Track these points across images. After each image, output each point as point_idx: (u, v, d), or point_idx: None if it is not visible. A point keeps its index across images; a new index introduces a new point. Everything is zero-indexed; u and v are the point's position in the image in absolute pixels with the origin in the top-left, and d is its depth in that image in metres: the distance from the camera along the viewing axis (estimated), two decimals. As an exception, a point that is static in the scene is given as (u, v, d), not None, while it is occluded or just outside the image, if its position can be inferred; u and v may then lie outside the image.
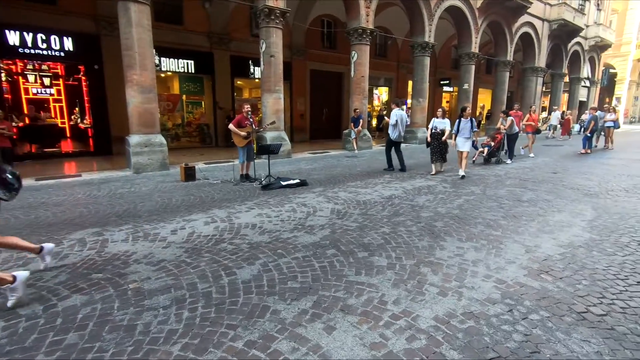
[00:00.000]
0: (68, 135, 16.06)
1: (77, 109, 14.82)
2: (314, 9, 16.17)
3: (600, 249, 3.89)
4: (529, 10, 19.43)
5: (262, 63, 11.06)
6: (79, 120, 14.65)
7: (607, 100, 35.51)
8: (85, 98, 12.57)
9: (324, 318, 2.55)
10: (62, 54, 11.07)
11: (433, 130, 8.44)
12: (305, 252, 3.74)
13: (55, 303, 2.72)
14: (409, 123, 9.37)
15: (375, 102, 22.24)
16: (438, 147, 8.40)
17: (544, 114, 18.92)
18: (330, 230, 4.45)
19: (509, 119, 10.15)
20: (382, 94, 22.57)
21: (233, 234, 4.30)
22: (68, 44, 11.02)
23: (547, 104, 27.84)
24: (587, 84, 29.63)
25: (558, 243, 4.06)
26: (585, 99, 29.85)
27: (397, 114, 8.70)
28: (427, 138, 8.75)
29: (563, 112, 21.67)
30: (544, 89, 26.32)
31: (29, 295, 2.81)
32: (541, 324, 2.50)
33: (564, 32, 23.01)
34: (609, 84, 35.77)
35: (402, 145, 9.50)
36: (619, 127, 14.97)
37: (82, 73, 12.23)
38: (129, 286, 2.98)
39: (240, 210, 5.34)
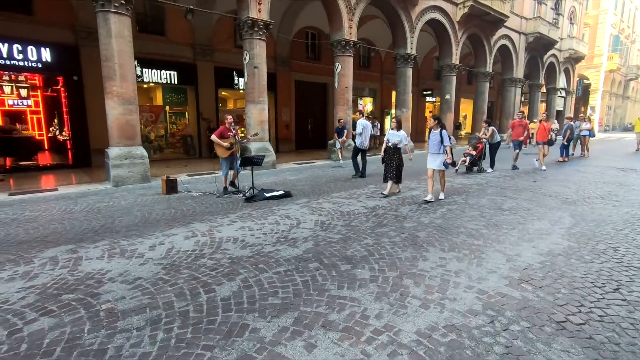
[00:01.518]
0: (46, 147, 15.64)
1: (55, 120, 14.47)
2: (298, 21, 16.34)
3: (578, 256, 3.96)
4: (506, 24, 20.12)
5: (246, 74, 11.05)
6: (57, 132, 14.27)
7: (582, 109, 36.88)
8: (64, 109, 12.25)
9: (305, 335, 2.49)
10: (40, 65, 10.79)
11: (386, 144, 7.26)
12: (288, 266, 3.68)
13: (21, 327, 2.57)
14: (374, 133, 9.53)
15: (362, 112, 22.46)
16: (390, 163, 7.17)
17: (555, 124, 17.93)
18: (313, 242, 4.40)
19: (490, 128, 10.38)
20: (366, 104, 22.82)
21: (214, 249, 4.20)
22: (46, 54, 10.76)
23: (527, 112, 28.67)
24: (563, 94, 30.73)
25: (538, 251, 4.11)
26: (562, 109, 30.91)
27: (363, 124, 9.26)
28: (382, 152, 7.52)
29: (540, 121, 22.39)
30: (522, 99, 27.15)
31: (-7, 319, 2.66)
32: (522, 335, 2.50)
33: (540, 45, 23.89)
34: (584, 94, 37.23)
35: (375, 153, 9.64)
36: (594, 136, 15.50)
37: (60, 84, 11.95)
38: (102, 307, 2.85)
39: (222, 224, 5.24)
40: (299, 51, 17.42)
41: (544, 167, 10.66)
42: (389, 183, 7.17)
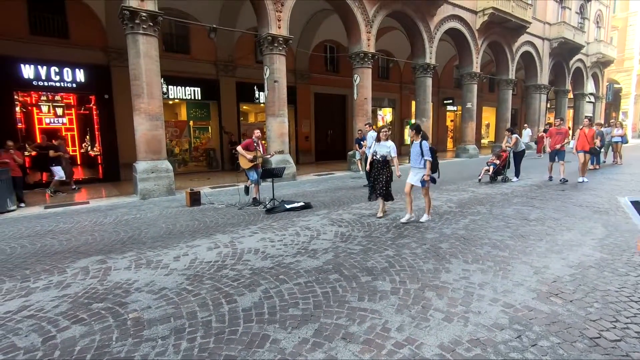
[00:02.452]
0: (79, 162, 16.47)
1: (88, 137, 15.25)
2: (317, 35, 16.67)
3: (612, 269, 3.77)
4: (528, 30, 19.73)
5: (266, 88, 11.32)
6: (89, 148, 15.02)
7: (613, 115, 35.31)
8: (96, 126, 12.92)
9: (325, 347, 2.48)
10: (74, 85, 11.48)
11: (373, 157, 6.35)
12: (308, 277, 3.69)
13: (55, 334, 2.70)
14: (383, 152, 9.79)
15: (380, 123, 22.42)
16: (378, 178, 6.22)
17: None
18: (333, 254, 4.40)
19: (513, 136, 10.12)
20: (386, 114, 22.79)
21: (235, 260, 4.27)
22: (80, 75, 11.45)
23: (552, 119, 27.76)
24: (592, 99, 29.61)
25: (568, 263, 3.94)
26: (591, 115, 29.73)
27: (372, 135, 9.20)
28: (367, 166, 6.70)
29: (545, 128, 21.15)
30: (548, 106, 26.37)
31: (29, 326, 2.80)
32: (552, 351, 2.39)
33: (565, 50, 23.24)
34: (615, 99, 35.72)
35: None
36: (627, 142, 14.81)
37: (93, 103, 12.63)
38: (129, 316, 2.95)
39: (244, 235, 5.33)
40: (318, 64, 17.71)
41: (585, 179, 9.46)
42: (380, 202, 6.35)
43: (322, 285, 3.49)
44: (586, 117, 10.29)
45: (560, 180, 9.49)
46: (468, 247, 4.53)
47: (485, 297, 3.19)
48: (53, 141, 14.21)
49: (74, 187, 10.64)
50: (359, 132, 13.42)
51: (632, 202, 6.86)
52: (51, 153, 10.02)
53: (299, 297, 3.25)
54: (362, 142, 13.25)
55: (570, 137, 12.59)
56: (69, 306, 3.16)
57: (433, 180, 5.89)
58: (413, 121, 18.61)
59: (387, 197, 6.27)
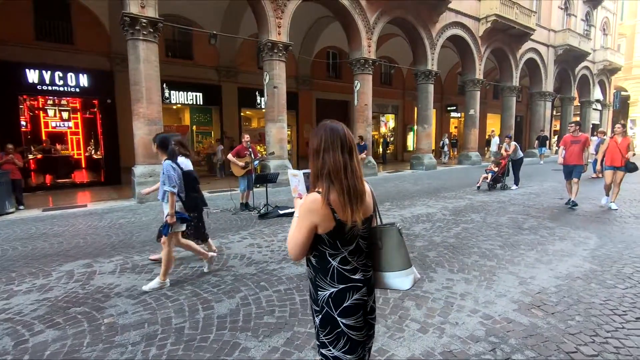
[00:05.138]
0: (83, 166, 16.70)
1: (92, 140, 15.47)
2: (319, 41, 16.78)
3: (599, 280, 3.69)
4: (532, 37, 19.62)
5: (265, 94, 11.39)
6: (93, 152, 15.23)
7: (621, 122, 34.83)
8: (99, 130, 13.10)
9: (294, 356, 2.45)
10: (78, 89, 11.67)
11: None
12: (289, 284, 3.67)
13: (27, 338, 2.71)
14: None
15: (383, 129, 22.44)
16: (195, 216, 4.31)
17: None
18: (318, 261, 4.37)
19: (512, 143, 10.02)
20: (389, 121, 22.78)
21: (220, 265, 4.27)
22: (83, 80, 11.64)
23: (559, 127, 27.47)
24: (599, 107, 29.27)
25: (555, 274, 3.87)
26: (598, 122, 29.41)
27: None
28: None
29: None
30: (554, 113, 26.12)
31: (4, 330, 2.82)
32: (524, 366, 2.34)
33: (570, 57, 23.06)
34: (623, 106, 35.25)
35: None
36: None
37: (96, 107, 12.82)
38: (104, 321, 2.96)
39: (233, 241, 5.33)
40: (320, 70, 17.79)
41: (614, 206, 7.15)
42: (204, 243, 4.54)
43: (302, 293, 3.46)
44: (619, 124, 7.55)
45: (567, 203, 7.49)
46: (456, 256, 4.47)
47: (465, 307, 3.14)
48: (57, 145, 14.47)
49: None
50: (360, 137, 13.44)
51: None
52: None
53: (276, 304, 3.23)
54: (364, 149, 13.28)
55: (597, 148, 10.16)
56: (47, 310, 3.17)
57: (190, 225, 3.85)
58: (415, 127, 18.54)
59: (197, 234, 4.47)
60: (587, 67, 25.90)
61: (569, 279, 3.73)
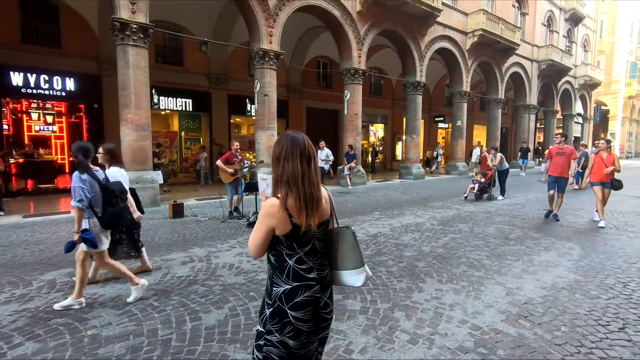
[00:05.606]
0: (67, 171, 16.30)
1: (77, 145, 15.15)
2: (310, 51, 16.93)
3: (584, 291, 3.77)
4: (517, 52, 20.22)
5: (256, 102, 11.40)
6: (77, 157, 14.92)
7: (601, 136, 36.00)
8: (85, 135, 12.85)
9: (284, 369, 2.42)
10: (64, 93, 11.47)
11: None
12: (278, 294, 3.63)
13: (6, 352, 2.60)
14: (332, 158, 11.97)
15: (372, 138, 22.64)
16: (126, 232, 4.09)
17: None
18: (308, 270, 4.34)
19: (498, 155, 10.23)
20: (378, 130, 23.02)
21: (208, 275, 4.20)
22: (70, 84, 11.45)
23: (543, 139, 28.20)
24: (580, 120, 30.21)
25: (541, 285, 3.93)
26: (579, 135, 30.31)
27: (327, 152, 11.47)
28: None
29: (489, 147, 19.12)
30: (538, 125, 26.83)
31: (-19, 342, 2.71)
32: (512, 377, 2.36)
33: (553, 72, 23.82)
34: (603, 120, 36.49)
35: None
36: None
37: (82, 111, 12.60)
38: (87, 333, 2.87)
39: (221, 249, 5.26)
40: (310, 79, 17.92)
41: (601, 222, 6.81)
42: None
43: (292, 303, 3.43)
44: (603, 139, 7.39)
45: (547, 216, 7.46)
46: (444, 266, 4.51)
47: (454, 318, 3.16)
48: (40, 149, 14.12)
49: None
50: (349, 146, 13.54)
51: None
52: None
53: (265, 315, 3.19)
54: (352, 157, 13.36)
55: (579, 161, 10.47)
56: (27, 321, 3.06)
57: (91, 244, 3.21)
58: (404, 137, 18.76)
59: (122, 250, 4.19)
60: (569, 82, 26.78)
61: (554, 290, 3.80)
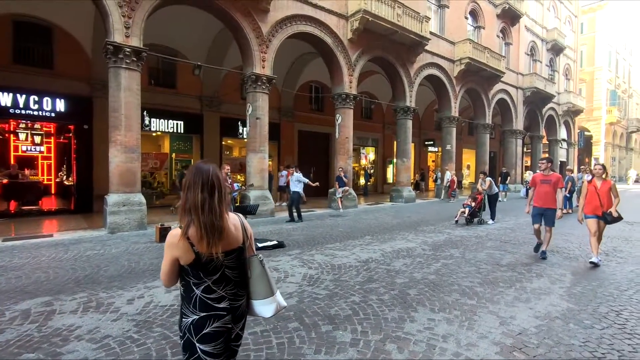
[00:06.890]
0: (53, 192, 15.95)
1: (65, 166, 14.91)
2: (302, 75, 17.25)
3: (577, 320, 3.71)
4: (503, 79, 20.94)
5: (248, 125, 11.45)
6: (64, 178, 14.63)
7: (586, 160, 36.97)
8: (73, 156, 12.67)
9: (269, 409, 2.28)
10: (53, 114, 11.35)
11: None
12: (266, 325, 3.49)
13: (-32, 392, 2.41)
14: (306, 181, 10.82)
15: (363, 161, 22.81)
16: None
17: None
18: (297, 299, 4.22)
19: (487, 179, 10.35)
20: (369, 153, 23.24)
21: (193, 304, 4.03)
22: (60, 105, 11.35)
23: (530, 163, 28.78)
24: (565, 145, 31.05)
25: (534, 314, 3.86)
26: (565, 159, 31.07)
27: (297, 177, 10.62)
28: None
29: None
30: (525, 150, 27.45)
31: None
32: (509, 416, 2.25)
33: (537, 98, 24.65)
34: (587, 145, 37.58)
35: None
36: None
37: (72, 132, 12.47)
38: (59, 369, 2.69)
39: (208, 276, 5.09)
40: (302, 103, 18.16)
41: (594, 258, 5.81)
42: None
43: (279, 334, 3.30)
44: (598, 164, 6.17)
45: (535, 250, 6.56)
46: (437, 294, 4.42)
47: (448, 350, 3.06)
48: (25, 170, 13.84)
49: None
50: (340, 169, 13.58)
51: None
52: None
53: (251, 348, 3.05)
54: (343, 180, 13.38)
55: (566, 185, 9.97)
56: (-5, 357, 2.87)
57: None
58: (395, 160, 18.93)
59: None
60: (553, 109, 27.69)
61: (548, 319, 3.73)
